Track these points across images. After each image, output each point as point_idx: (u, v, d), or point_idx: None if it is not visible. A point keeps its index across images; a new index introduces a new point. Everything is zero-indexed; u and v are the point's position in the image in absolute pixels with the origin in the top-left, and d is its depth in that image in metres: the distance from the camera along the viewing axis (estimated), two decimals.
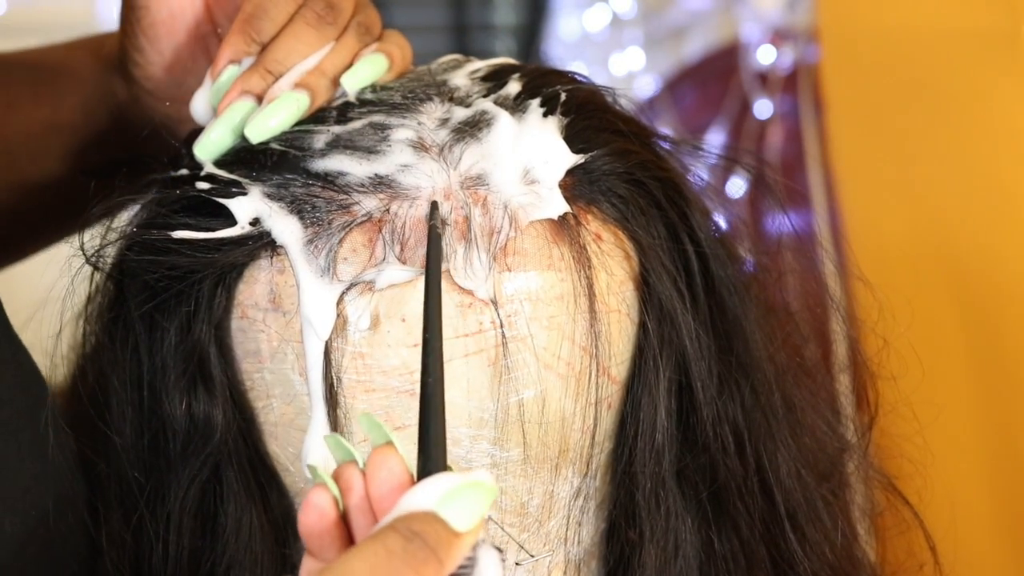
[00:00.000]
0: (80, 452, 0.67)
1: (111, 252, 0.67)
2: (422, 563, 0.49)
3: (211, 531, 0.65)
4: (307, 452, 0.61)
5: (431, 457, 0.52)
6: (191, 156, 0.66)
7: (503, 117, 0.64)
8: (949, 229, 1.24)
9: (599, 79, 0.74)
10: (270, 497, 0.65)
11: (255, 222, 0.62)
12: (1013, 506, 1.15)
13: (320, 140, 0.64)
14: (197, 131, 0.67)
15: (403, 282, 0.60)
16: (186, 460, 0.65)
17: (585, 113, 0.66)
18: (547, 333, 0.61)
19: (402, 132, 0.63)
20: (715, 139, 1.58)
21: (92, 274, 0.67)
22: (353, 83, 0.67)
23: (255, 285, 0.63)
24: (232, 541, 0.65)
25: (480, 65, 0.69)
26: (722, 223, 0.72)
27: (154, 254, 0.63)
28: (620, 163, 0.65)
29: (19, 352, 0.67)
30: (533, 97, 0.66)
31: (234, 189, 0.63)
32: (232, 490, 0.65)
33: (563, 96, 0.66)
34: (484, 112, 0.64)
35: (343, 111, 0.66)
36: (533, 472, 0.63)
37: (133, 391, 0.66)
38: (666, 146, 0.70)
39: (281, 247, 0.62)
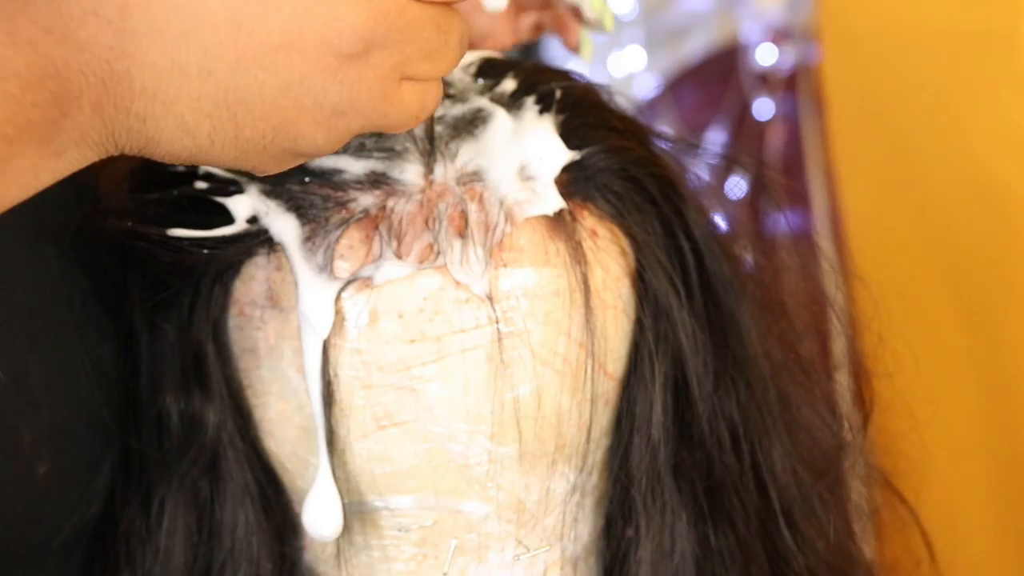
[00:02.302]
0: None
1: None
2: None
3: (208, 529, 0.65)
4: (308, 508, 0.62)
5: None
6: None
7: (499, 114, 0.64)
8: (948, 228, 1.24)
9: (599, 79, 0.74)
10: (268, 495, 0.65)
11: (252, 220, 0.62)
12: (1010, 502, 1.15)
13: None
14: None
15: (400, 278, 0.61)
16: (183, 457, 0.65)
17: (580, 110, 0.66)
18: (543, 329, 0.62)
19: None
20: (715, 139, 1.58)
21: None
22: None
23: (252, 282, 0.63)
24: (229, 539, 0.65)
25: (472, 58, 0.69)
26: (720, 221, 0.72)
27: (152, 251, 0.64)
28: (615, 160, 0.65)
29: None
30: (529, 94, 0.66)
31: (231, 187, 0.63)
32: (229, 487, 0.65)
33: (559, 93, 0.66)
34: (480, 109, 0.65)
35: None
36: (530, 468, 0.63)
37: (132, 387, 0.66)
38: (663, 144, 0.71)
39: (278, 244, 0.62)
